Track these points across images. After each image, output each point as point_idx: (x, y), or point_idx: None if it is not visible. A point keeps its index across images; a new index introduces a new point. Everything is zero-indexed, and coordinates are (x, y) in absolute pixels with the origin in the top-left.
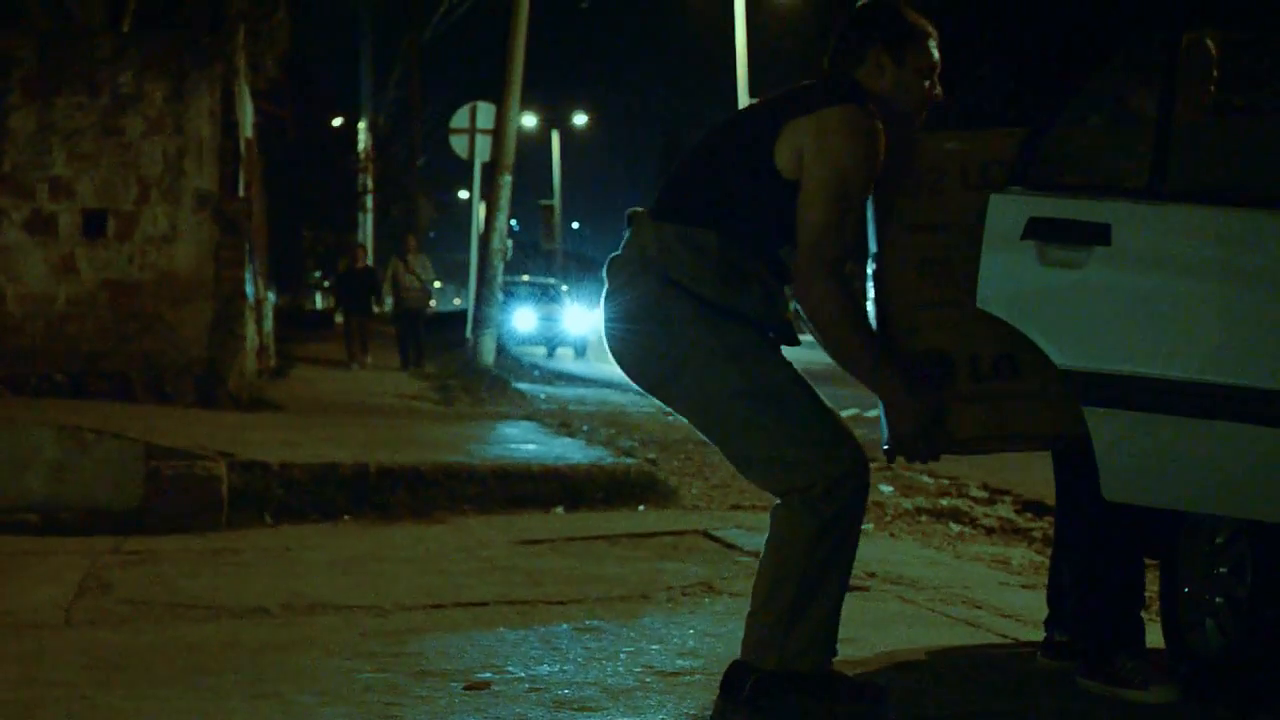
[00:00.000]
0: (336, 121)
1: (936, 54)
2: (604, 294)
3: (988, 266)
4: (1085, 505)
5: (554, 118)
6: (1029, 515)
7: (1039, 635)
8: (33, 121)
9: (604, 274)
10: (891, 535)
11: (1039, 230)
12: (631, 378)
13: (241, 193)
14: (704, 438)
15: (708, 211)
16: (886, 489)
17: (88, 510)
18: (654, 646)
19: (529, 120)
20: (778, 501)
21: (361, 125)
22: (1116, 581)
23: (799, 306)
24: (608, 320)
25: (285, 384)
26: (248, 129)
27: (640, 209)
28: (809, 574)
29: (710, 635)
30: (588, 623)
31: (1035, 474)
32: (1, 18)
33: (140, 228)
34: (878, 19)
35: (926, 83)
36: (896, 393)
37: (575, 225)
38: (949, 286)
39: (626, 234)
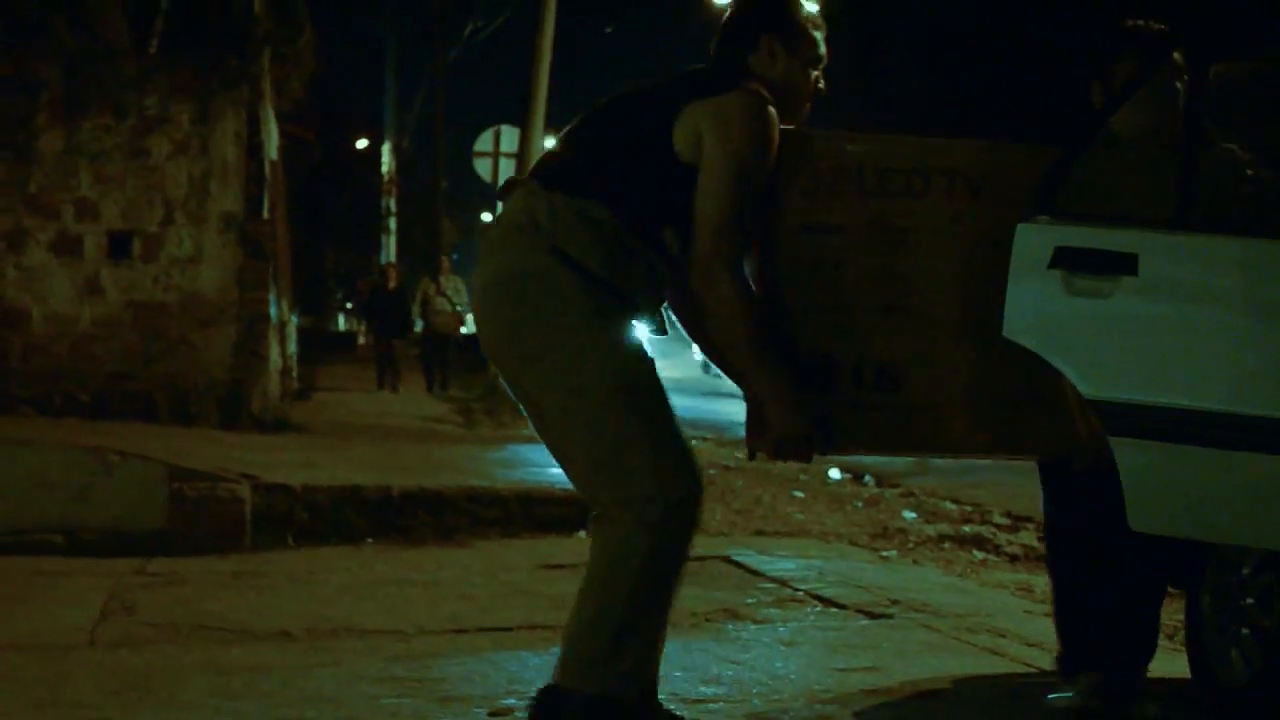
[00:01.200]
0: (360, 143)
1: (824, 47)
2: (478, 261)
3: (1014, 295)
4: (1072, 535)
5: None
6: None
7: None
8: (59, 143)
9: (481, 242)
10: (914, 562)
11: (1066, 260)
12: (488, 349)
13: (266, 215)
14: (534, 425)
15: (601, 185)
16: (910, 515)
17: (111, 531)
18: (677, 673)
19: (552, 143)
20: (607, 516)
21: (385, 147)
22: (1103, 605)
23: (695, 295)
24: (479, 288)
25: (308, 406)
26: (272, 151)
27: (522, 177)
28: (639, 597)
29: (734, 662)
30: None
31: None
32: (29, 40)
33: (165, 249)
34: (772, 5)
35: (814, 74)
36: (784, 391)
37: None
38: (840, 290)
39: (507, 201)
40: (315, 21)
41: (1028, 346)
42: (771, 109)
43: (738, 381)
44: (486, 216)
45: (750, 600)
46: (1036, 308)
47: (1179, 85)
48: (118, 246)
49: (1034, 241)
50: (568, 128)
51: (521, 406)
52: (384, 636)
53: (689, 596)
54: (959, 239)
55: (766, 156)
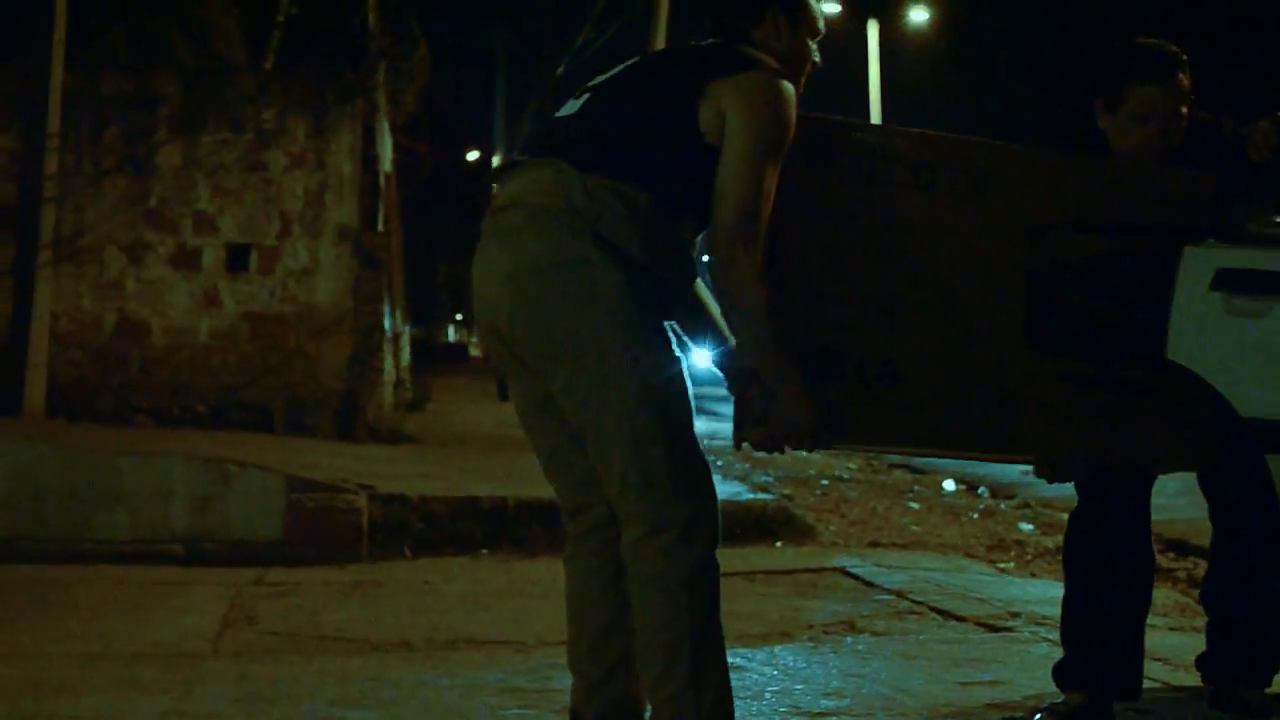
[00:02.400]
0: (471, 155)
1: (822, 20)
2: (490, 248)
3: (1178, 318)
4: (1240, 536)
5: None
6: (1172, 555)
7: (1185, 677)
8: (178, 157)
9: (490, 224)
10: (1032, 574)
11: (1226, 282)
12: (514, 341)
13: (381, 227)
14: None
15: (638, 167)
16: (1027, 527)
17: (231, 541)
18: (798, 686)
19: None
20: (640, 545)
21: (495, 159)
22: (1260, 615)
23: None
24: (504, 275)
25: (422, 417)
26: (387, 164)
27: (530, 158)
28: (698, 623)
29: (854, 675)
30: (730, 660)
31: (1178, 513)
32: (149, 57)
33: (282, 261)
34: None
35: (813, 48)
36: (795, 382)
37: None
38: (847, 281)
39: (522, 182)
40: (427, 35)
41: (1190, 367)
42: (790, 87)
43: (739, 370)
44: None
45: (868, 612)
46: (1198, 330)
47: (1183, 109)
48: (235, 259)
49: (1198, 265)
50: (578, 104)
51: (521, 405)
52: (503, 647)
53: (806, 609)
54: (963, 236)
55: (787, 137)
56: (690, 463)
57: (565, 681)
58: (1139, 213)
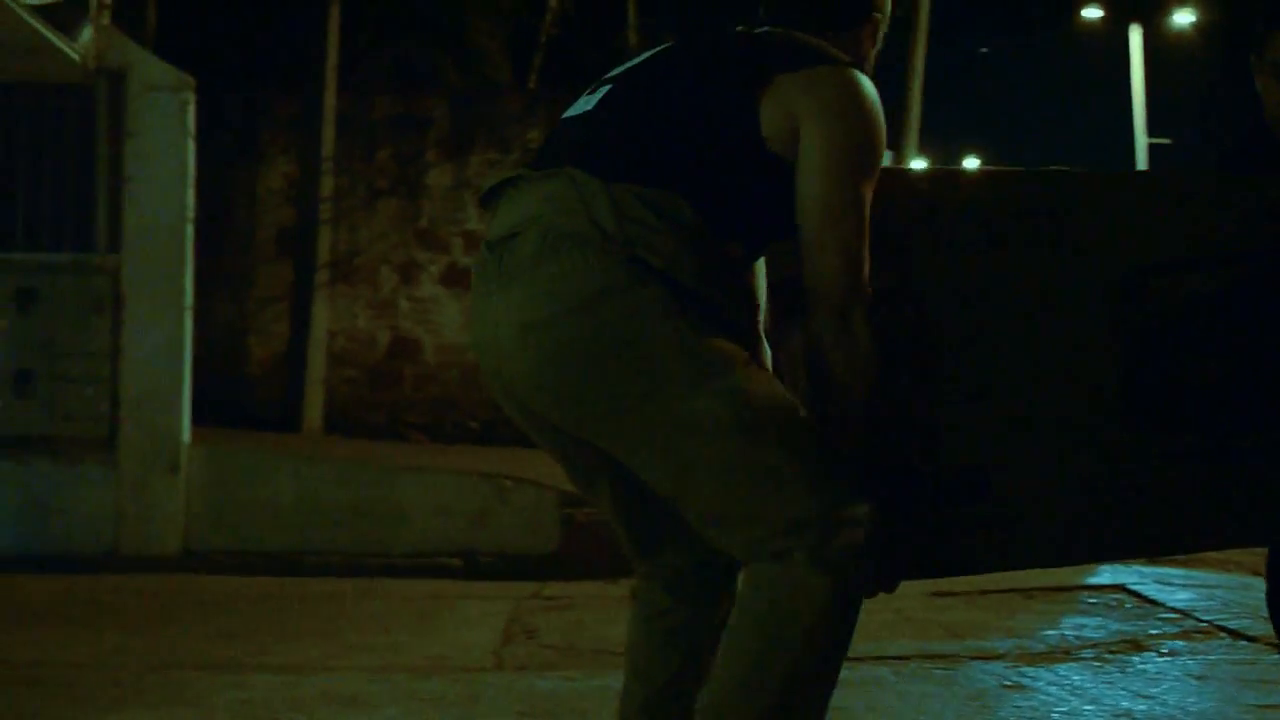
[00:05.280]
0: None
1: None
2: (489, 290)
3: None
4: None
5: (943, 162)
6: None
7: None
8: (448, 178)
9: (487, 264)
10: None
11: None
12: (544, 405)
13: None
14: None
15: (681, 174)
16: None
17: (507, 555)
18: (1087, 706)
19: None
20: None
21: None
22: None
23: (808, 344)
24: (517, 324)
25: None
26: None
27: (536, 170)
28: (806, 664)
29: (1143, 696)
30: (1014, 679)
31: None
32: (418, 81)
33: None
34: None
35: (879, 36)
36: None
37: None
38: (918, 375)
39: (526, 201)
40: None
41: None
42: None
43: None
44: None
45: (1154, 631)
46: None
47: None
48: None
49: None
50: (594, 99)
51: (570, 473)
52: None
53: (1087, 627)
54: (1044, 294)
55: (881, 157)
56: (822, 467)
57: (848, 699)
58: (1252, 236)
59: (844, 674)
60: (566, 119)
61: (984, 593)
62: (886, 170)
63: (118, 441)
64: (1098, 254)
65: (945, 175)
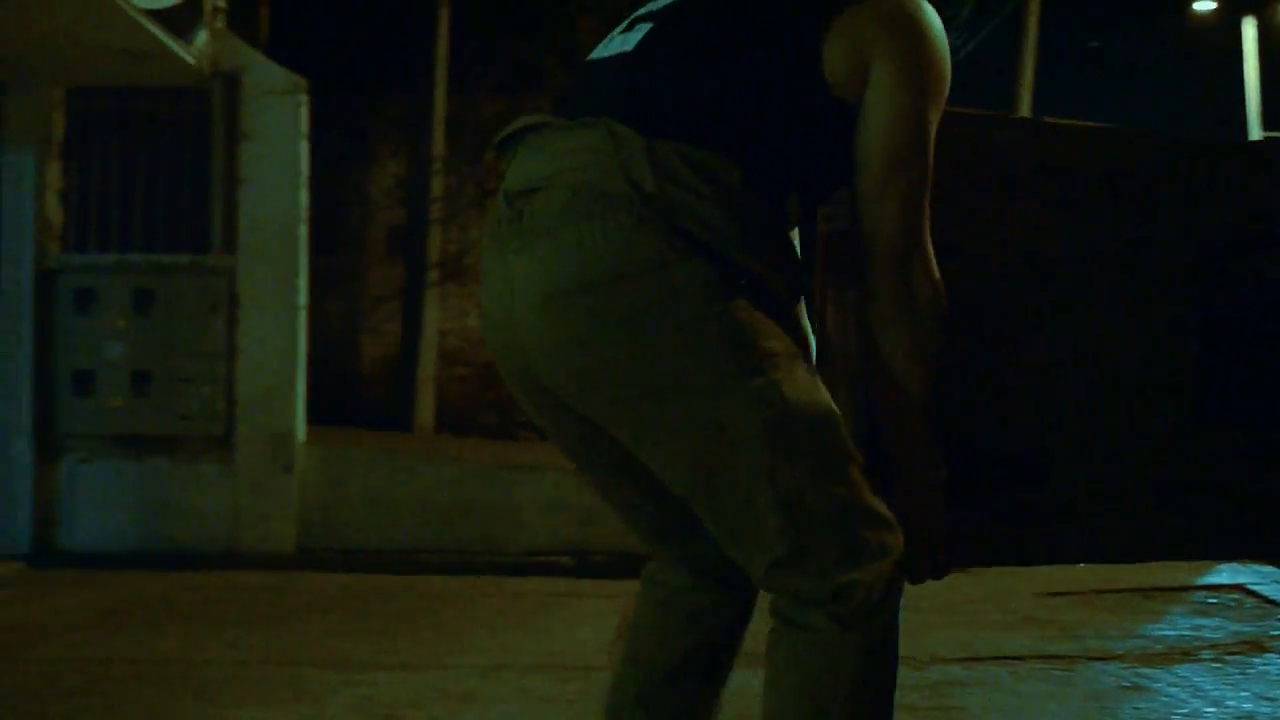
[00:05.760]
0: None
1: None
2: (508, 250)
3: None
4: None
5: None
6: None
7: None
8: None
9: (504, 219)
10: None
11: None
12: (556, 382)
13: None
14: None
15: (729, 131)
16: None
17: (616, 553)
18: (1208, 709)
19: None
20: (784, 618)
21: None
22: None
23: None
24: (540, 295)
25: None
26: None
27: (564, 120)
28: (858, 713)
29: (1267, 699)
30: (1133, 681)
31: None
32: (524, 81)
33: None
34: None
35: None
36: (939, 475)
37: None
38: (981, 348)
39: (551, 153)
40: None
41: None
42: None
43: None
44: None
45: (1275, 633)
46: None
47: None
48: None
49: None
50: (634, 39)
51: (582, 458)
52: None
53: (1206, 627)
54: (1115, 267)
55: (946, 95)
56: (856, 503)
57: (963, 699)
58: None
59: (961, 673)
60: (598, 61)
61: (1099, 592)
62: (947, 113)
63: (234, 440)
64: (1184, 227)
65: (1021, 124)
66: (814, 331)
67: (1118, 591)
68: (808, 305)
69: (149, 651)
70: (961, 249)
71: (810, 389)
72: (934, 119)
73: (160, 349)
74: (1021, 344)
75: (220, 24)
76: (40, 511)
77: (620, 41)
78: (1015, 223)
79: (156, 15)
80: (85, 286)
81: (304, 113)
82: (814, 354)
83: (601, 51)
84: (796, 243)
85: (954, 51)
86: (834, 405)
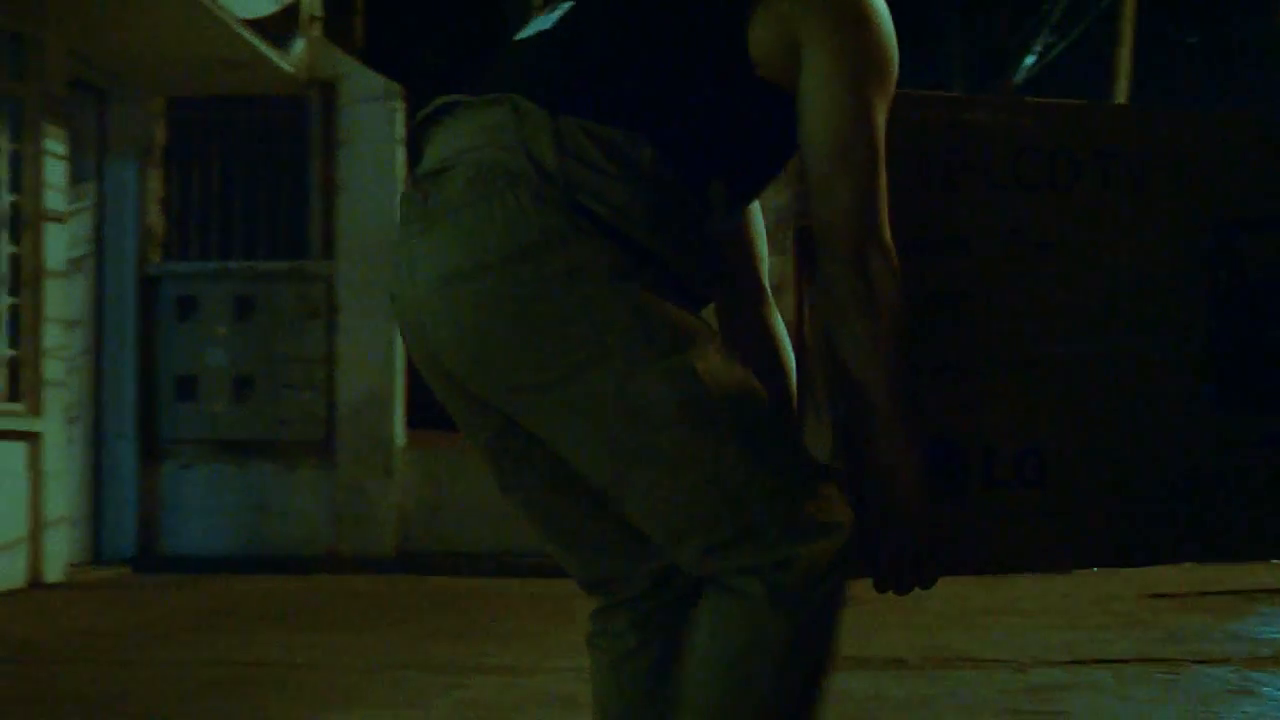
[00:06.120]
0: None
1: None
2: (412, 234)
3: None
4: None
5: None
6: None
7: None
8: None
9: (412, 201)
10: None
11: None
12: (465, 372)
13: None
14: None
15: (641, 107)
16: None
17: None
18: None
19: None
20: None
21: None
22: None
23: (819, 297)
24: (436, 279)
25: None
26: None
27: (477, 96)
28: (776, 706)
29: None
30: (1240, 684)
31: None
32: None
33: None
34: None
35: None
36: (920, 476)
37: None
38: (961, 340)
39: (457, 132)
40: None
41: None
42: None
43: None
44: None
45: None
46: None
47: None
48: None
49: None
50: (553, 17)
51: (491, 460)
52: (998, 666)
53: None
54: (1120, 253)
55: (894, 76)
56: (793, 476)
57: (1068, 702)
58: None
59: (1064, 676)
60: (519, 40)
61: (1203, 594)
62: (932, 96)
63: (334, 445)
64: (1186, 205)
65: (1004, 103)
66: (791, 335)
67: (1221, 594)
68: (724, 300)
69: (252, 655)
70: (940, 241)
71: (726, 365)
72: (880, 104)
73: (260, 355)
74: (1008, 335)
75: (317, 32)
76: (144, 516)
77: (541, 20)
78: (999, 207)
79: (254, 25)
80: (186, 294)
81: (400, 118)
82: (784, 360)
83: (524, 32)
84: (766, 238)
85: (1045, 50)
86: (755, 382)
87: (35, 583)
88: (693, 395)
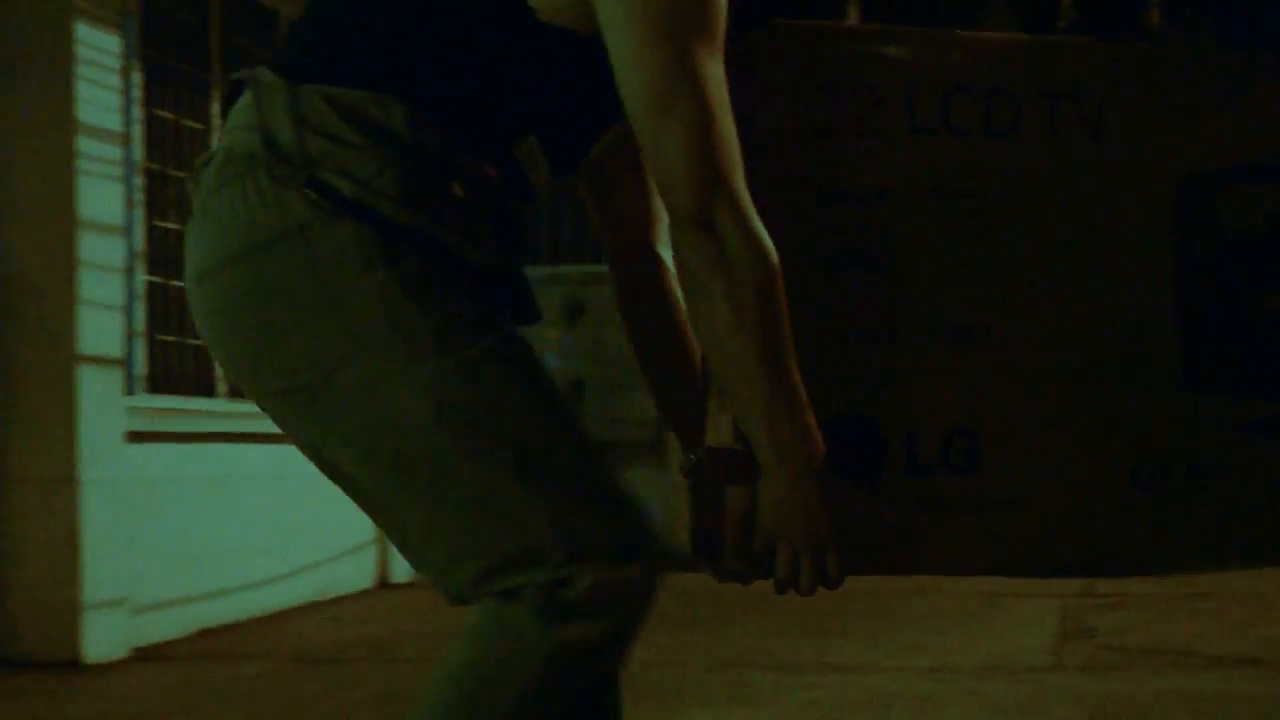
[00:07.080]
0: None
1: None
2: (188, 229)
3: None
4: None
5: None
6: None
7: None
8: None
9: (192, 194)
10: None
11: None
12: (229, 374)
13: None
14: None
15: (389, 66)
16: None
17: None
18: None
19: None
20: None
21: None
22: None
23: (680, 267)
24: (191, 277)
25: None
26: None
27: (253, 70)
28: None
29: None
30: None
31: None
32: None
33: None
34: None
35: None
36: (814, 465)
37: None
38: (879, 302)
39: (233, 114)
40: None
41: None
42: None
43: (709, 450)
44: None
45: None
46: None
47: None
48: None
49: None
50: None
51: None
52: None
53: None
54: (1067, 209)
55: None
56: (578, 476)
57: None
58: None
59: None
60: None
61: None
62: (844, 28)
63: (665, 444)
64: (1149, 153)
65: (931, 36)
66: None
67: None
68: (616, 270)
69: None
70: (856, 191)
71: (498, 369)
72: (700, 46)
73: (591, 357)
74: (932, 298)
75: None
76: None
77: None
78: (922, 154)
79: None
80: None
81: None
82: (683, 333)
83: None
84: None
85: None
86: (548, 385)
87: (384, 583)
88: (454, 400)
